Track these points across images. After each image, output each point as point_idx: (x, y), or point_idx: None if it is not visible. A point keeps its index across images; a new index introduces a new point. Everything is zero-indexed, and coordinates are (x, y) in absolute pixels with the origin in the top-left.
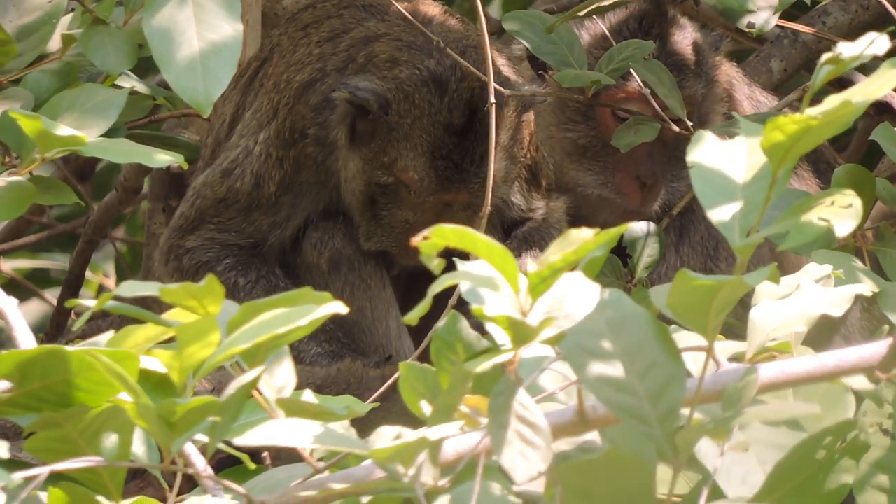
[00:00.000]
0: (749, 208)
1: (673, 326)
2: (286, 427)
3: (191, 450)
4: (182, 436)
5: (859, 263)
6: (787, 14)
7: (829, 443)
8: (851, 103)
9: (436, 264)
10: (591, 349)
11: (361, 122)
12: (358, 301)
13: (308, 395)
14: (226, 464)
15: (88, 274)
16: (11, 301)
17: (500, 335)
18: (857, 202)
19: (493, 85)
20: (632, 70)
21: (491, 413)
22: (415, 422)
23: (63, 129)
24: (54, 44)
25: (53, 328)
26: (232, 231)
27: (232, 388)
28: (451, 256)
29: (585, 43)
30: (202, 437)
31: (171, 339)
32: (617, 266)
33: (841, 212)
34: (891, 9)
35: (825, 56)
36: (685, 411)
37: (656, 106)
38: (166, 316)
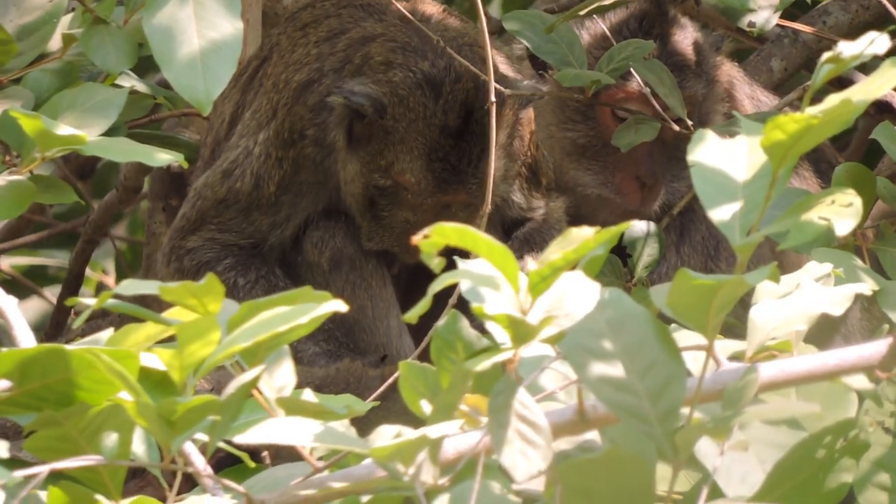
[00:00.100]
0: (749, 207)
1: (673, 326)
2: (286, 426)
3: (190, 449)
4: (182, 434)
5: (860, 262)
6: (787, 13)
7: (829, 442)
8: (852, 102)
9: (436, 263)
10: (591, 348)
11: (358, 124)
12: (359, 300)
13: (308, 395)
14: (226, 463)
15: (88, 272)
16: (11, 300)
17: (500, 334)
18: (858, 201)
19: (493, 84)
20: (632, 70)
21: (491, 412)
22: (414, 421)
23: (63, 129)
24: (55, 43)
25: (53, 327)
26: (232, 231)
27: (232, 387)
28: (451, 255)
29: (585, 43)
30: (202, 437)
31: (170, 338)
32: (617, 266)
33: (841, 210)
34: (891, 8)
35: (825, 55)
36: (685, 410)
37: (657, 105)
38: (166, 315)
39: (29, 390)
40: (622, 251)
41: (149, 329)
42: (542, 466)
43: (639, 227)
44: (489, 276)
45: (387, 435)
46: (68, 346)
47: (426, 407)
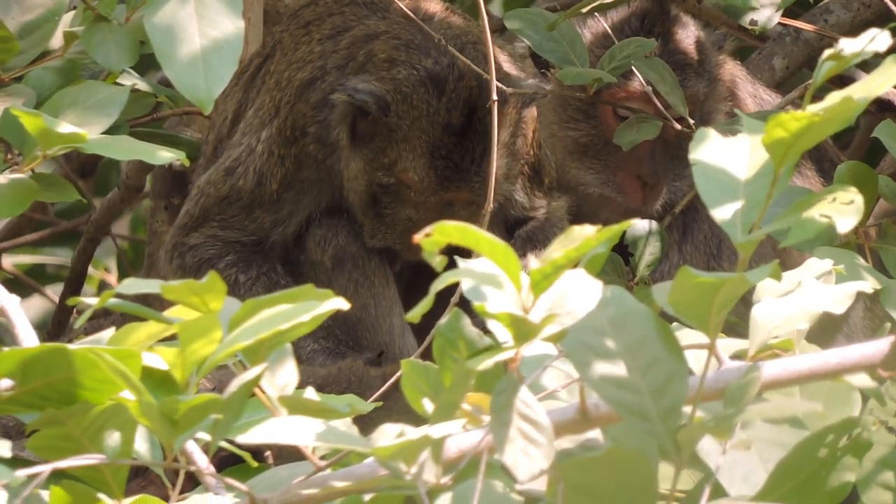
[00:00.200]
0: (751, 205)
1: (675, 324)
2: (288, 425)
3: (193, 448)
4: (184, 433)
5: (862, 261)
6: (789, 12)
7: (831, 441)
8: (853, 100)
9: (438, 261)
10: (593, 346)
11: (362, 122)
12: (362, 298)
13: (310, 393)
14: (228, 463)
15: (91, 271)
16: (14, 299)
17: (502, 332)
18: (859, 198)
19: (495, 83)
20: (634, 68)
21: (493, 411)
22: (415, 421)
23: (65, 127)
24: (56, 41)
25: (55, 326)
26: (234, 228)
27: (234, 386)
28: (454, 254)
29: (587, 41)
30: (204, 436)
31: (172, 337)
32: (619, 265)
33: (843, 208)
34: (892, 6)
35: (827, 52)
36: (687, 409)
37: (658, 104)
38: (168, 313)
39: (31, 389)
40: (624, 250)
41: (150, 328)
42: (544, 465)
43: (641, 225)
44: (491, 274)
45: (389, 434)
46: (71, 346)
47: (428, 406)
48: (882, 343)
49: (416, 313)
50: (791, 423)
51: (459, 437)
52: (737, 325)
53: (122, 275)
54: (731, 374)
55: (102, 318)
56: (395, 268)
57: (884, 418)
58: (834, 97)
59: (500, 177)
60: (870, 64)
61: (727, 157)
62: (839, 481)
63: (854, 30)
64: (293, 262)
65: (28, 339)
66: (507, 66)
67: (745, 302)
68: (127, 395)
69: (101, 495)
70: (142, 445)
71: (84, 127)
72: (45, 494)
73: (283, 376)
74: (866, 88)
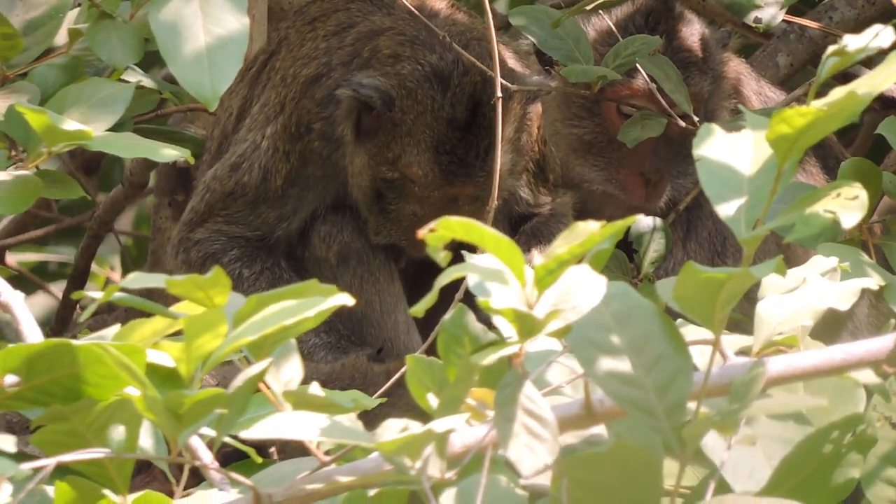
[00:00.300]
0: (755, 201)
1: (679, 321)
2: (293, 420)
3: (197, 444)
4: (189, 428)
5: (866, 257)
6: (794, 9)
7: (836, 437)
8: (857, 95)
9: (442, 257)
10: (597, 342)
11: (367, 117)
12: (366, 294)
13: (315, 389)
14: (232, 458)
15: (94, 267)
16: (18, 295)
17: (507, 328)
18: (863, 194)
19: (499, 80)
20: (638, 65)
21: (497, 406)
22: (419, 418)
23: (69, 124)
24: (61, 38)
25: (59, 322)
26: (239, 223)
27: (239, 380)
28: (459, 250)
29: (591, 38)
30: (209, 432)
31: (177, 334)
32: (623, 262)
33: (847, 203)
34: None
35: (831, 48)
36: (692, 405)
37: (663, 102)
38: (173, 309)
39: (36, 385)
40: (628, 247)
41: (155, 324)
42: (548, 460)
43: (645, 222)
44: (495, 270)
45: (393, 429)
46: (75, 341)
47: (433, 401)
48: (887, 339)
49: (420, 308)
50: (796, 420)
51: (464, 432)
52: (741, 321)
53: (126, 271)
54: (736, 370)
55: (106, 313)
56: (399, 264)
57: (888, 414)
58: (838, 92)
59: (504, 172)
60: (874, 61)
61: (731, 153)
62: (843, 477)
63: (858, 27)
64: (298, 259)
65: (32, 335)
66: (512, 63)
67: (750, 299)
68: (132, 391)
69: (106, 491)
70: (146, 441)
71: (88, 124)
72: (49, 490)
73: (288, 372)
74: (870, 84)
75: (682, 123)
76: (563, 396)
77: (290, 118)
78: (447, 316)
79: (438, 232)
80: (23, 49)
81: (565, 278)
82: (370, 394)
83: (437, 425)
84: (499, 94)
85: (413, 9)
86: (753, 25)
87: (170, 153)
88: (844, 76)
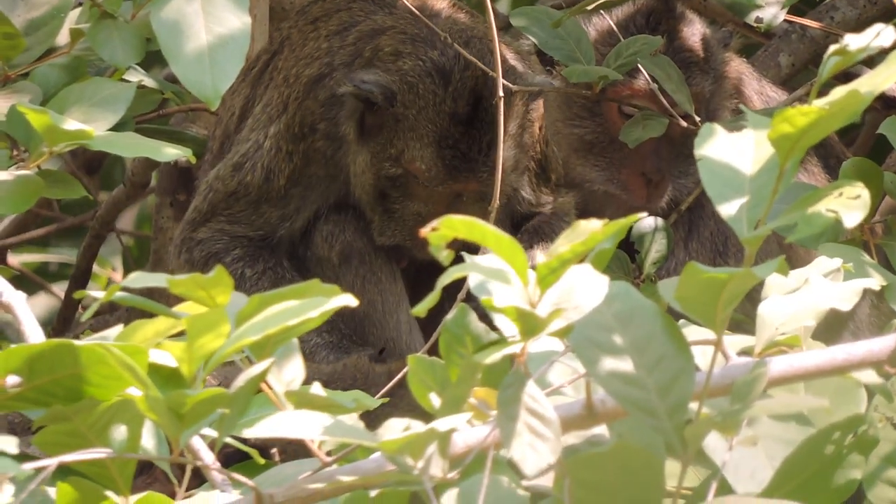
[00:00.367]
0: (756, 201)
1: (681, 321)
2: (295, 419)
3: (199, 445)
4: (191, 428)
5: (867, 258)
6: (795, 9)
7: (837, 438)
8: (859, 93)
9: (444, 256)
10: (599, 342)
11: (369, 116)
12: (369, 294)
13: (317, 389)
14: (234, 459)
15: (96, 268)
16: (20, 295)
17: (509, 327)
18: (866, 193)
19: (501, 80)
20: (640, 66)
21: (500, 405)
22: (420, 418)
23: (71, 123)
24: (62, 38)
25: (60, 322)
26: (242, 223)
27: (241, 381)
28: (461, 251)
29: (593, 39)
30: (210, 433)
31: (180, 334)
32: (625, 262)
33: (849, 203)
34: None
35: (832, 48)
36: (693, 405)
37: (664, 102)
38: (177, 310)
39: (38, 386)
40: (630, 248)
41: (158, 325)
42: (551, 460)
43: (647, 222)
44: (498, 269)
45: (396, 428)
46: (77, 342)
47: (435, 401)
48: (888, 339)
49: (422, 308)
50: (797, 420)
51: (466, 431)
52: (743, 322)
53: (128, 271)
54: (738, 370)
55: (108, 314)
56: (401, 264)
57: (889, 415)
58: (839, 92)
59: (507, 168)
60: (875, 60)
61: (733, 152)
62: (845, 478)
63: (860, 27)
64: (300, 258)
65: (34, 335)
66: (513, 60)
67: (752, 299)
68: (134, 391)
69: (108, 492)
70: (148, 442)
71: (90, 123)
72: (51, 491)
73: (290, 372)
74: (872, 82)
75: (684, 123)
76: (564, 396)
77: (294, 118)
78: (449, 316)
79: (441, 231)
80: (24, 49)
81: (567, 278)
82: (372, 394)
83: (440, 425)
84: (500, 93)
85: (414, 9)
86: (755, 25)
87: (171, 153)
88: (846, 76)
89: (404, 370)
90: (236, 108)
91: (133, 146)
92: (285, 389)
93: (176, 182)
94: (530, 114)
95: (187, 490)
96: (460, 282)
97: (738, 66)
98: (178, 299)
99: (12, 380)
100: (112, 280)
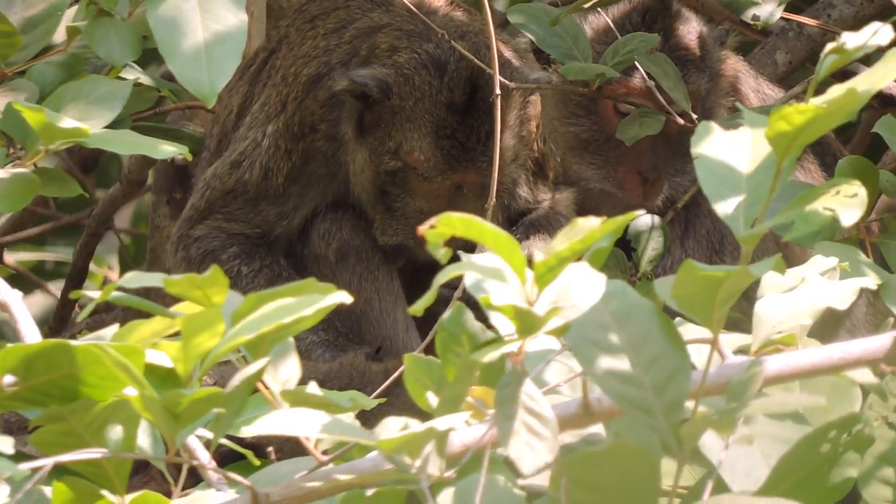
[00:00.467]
0: (753, 199)
1: (677, 319)
2: (292, 417)
3: (195, 444)
4: (187, 427)
5: (863, 256)
6: (792, 6)
7: (833, 436)
8: (856, 91)
9: (442, 254)
10: (596, 341)
11: (368, 114)
12: (366, 293)
13: (313, 388)
14: (230, 459)
15: (93, 266)
16: (16, 294)
17: (506, 325)
18: (863, 191)
19: (498, 77)
20: (636, 63)
21: (497, 404)
22: (416, 417)
23: (67, 121)
24: (59, 36)
25: (57, 322)
26: (239, 221)
27: (237, 380)
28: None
29: (589, 36)
30: (206, 433)
31: (176, 335)
32: (622, 260)
33: (846, 201)
34: (895, 1)
35: (829, 46)
36: (690, 404)
37: (661, 99)
38: (173, 309)
39: (34, 385)
40: (626, 246)
41: (154, 325)
42: (548, 458)
43: (643, 220)
44: (495, 267)
45: (393, 427)
46: (73, 342)
47: (432, 400)
48: (884, 338)
49: (419, 306)
50: (793, 419)
51: (463, 430)
52: (740, 321)
53: (124, 269)
54: (734, 369)
55: (105, 313)
56: (398, 262)
57: (885, 413)
58: (836, 90)
59: (507, 159)
60: (872, 58)
61: (729, 150)
62: (841, 477)
63: (857, 25)
64: (297, 256)
65: (30, 334)
66: (509, 55)
67: (748, 298)
68: (130, 391)
69: (104, 491)
70: (144, 441)
71: (86, 121)
72: (47, 490)
73: (286, 371)
74: (869, 81)
75: (681, 121)
76: (561, 395)
77: (293, 118)
78: (446, 315)
79: (438, 228)
80: (21, 47)
81: (564, 276)
82: (368, 393)
83: (437, 423)
84: (497, 91)
85: (411, 6)
86: (751, 23)
87: (168, 150)
88: (843, 74)
89: (401, 369)
90: (234, 107)
91: (129, 144)
92: (281, 388)
93: (172, 180)
94: (528, 107)
95: (183, 489)
96: (458, 280)
97: (734, 64)
98: (175, 298)
99: (8, 379)
100: (108, 279)
